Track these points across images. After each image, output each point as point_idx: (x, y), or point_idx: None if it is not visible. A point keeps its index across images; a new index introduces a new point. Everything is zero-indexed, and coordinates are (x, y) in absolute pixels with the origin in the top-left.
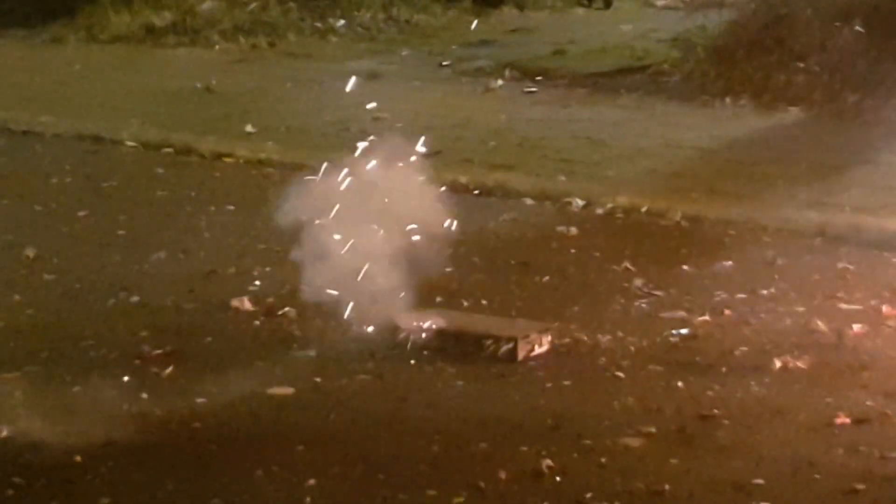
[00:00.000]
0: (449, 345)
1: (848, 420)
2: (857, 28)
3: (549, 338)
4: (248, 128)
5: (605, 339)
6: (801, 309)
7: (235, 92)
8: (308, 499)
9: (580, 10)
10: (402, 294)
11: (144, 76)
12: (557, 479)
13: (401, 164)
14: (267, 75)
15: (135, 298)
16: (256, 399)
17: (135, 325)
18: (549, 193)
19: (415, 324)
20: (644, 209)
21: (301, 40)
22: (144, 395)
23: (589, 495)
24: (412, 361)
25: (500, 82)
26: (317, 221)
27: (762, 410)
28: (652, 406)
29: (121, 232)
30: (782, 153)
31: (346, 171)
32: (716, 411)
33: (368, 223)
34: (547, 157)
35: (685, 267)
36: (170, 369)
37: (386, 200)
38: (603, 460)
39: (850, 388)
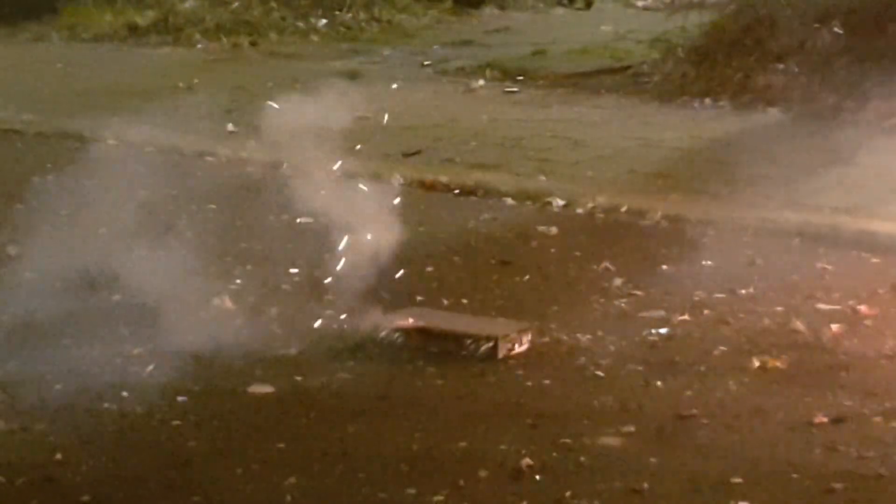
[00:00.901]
0: (429, 343)
1: (826, 419)
2: (836, 29)
3: (530, 337)
4: (230, 127)
5: (584, 338)
6: (779, 309)
7: (217, 91)
8: (288, 497)
9: (561, 11)
10: (383, 293)
11: (127, 75)
12: (537, 477)
13: (381, 163)
14: (248, 74)
15: (116, 297)
16: (237, 397)
17: (116, 323)
18: (530, 193)
19: (395, 322)
20: (624, 209)
21: (283, 39)
22: (125, 394)
23: (568, 494)
24: (393, 360)
25: (481, 82)
26: (298, 220)
27: (741, 410)
28: (631, 405)
29: (102, 230)
30: (762, 154)
31: (325, 169)
32: (695, 411)
33: (348, 222)
34: (527, 157)
35: (665, 266)
36: (150, 368)
37: (365, 198)
38: (582, 459)
39: (829, 388)
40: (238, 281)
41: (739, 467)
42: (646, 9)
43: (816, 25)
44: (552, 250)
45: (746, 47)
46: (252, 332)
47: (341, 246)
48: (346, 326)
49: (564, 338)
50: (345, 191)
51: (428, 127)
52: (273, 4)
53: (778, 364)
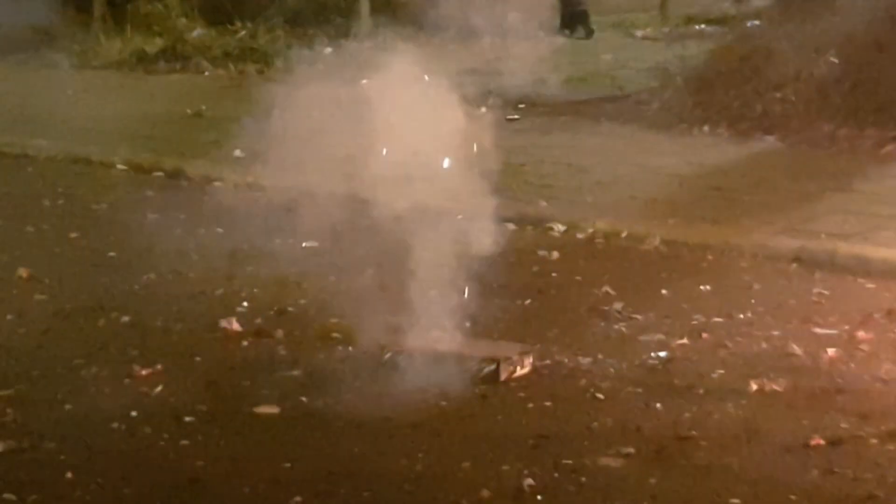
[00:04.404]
0: (433, 365)
1: (822, 442)
2: (832, 59)
3: (531, 359)
4: (237, 152)
5: (585, 361)
6: (776, 333)
7: (224, 117)
8: None
9: (562, 40)
10: (387, 316)
11: (135, 101)
12: (538, 497)
13: (385, 189)
14: (255, 101)
15: (125, 319)
16: (243, 418)
17: (125, 344)
18: (531, 218)
19: (399, 345)
20: (624, 234)
21: (289, 67)
22: (134, 414)
23: None
24: (397, 382)
25: (482, 110)
26: (303, 244)
27: (739, 432)
28: (631, 427)
29: (111, 253)
30: (759, 180)
31: (332, 194)
32: (693, 432)
33: (349, 246)
34: (528, 183)
35: (664, 291)
36: (159, 388)
37: (366, 222)
38: (583, 480)
39: (825, 411)
40: (245, 304)
41: (737, 489)
42: (645, 38)
43: (813, 55)
44: (553, 274)
45: (744, 76)
46: (258, 354)
47: (345, 268)
48: (351, 349)
49: (565, 360)
50: (346, 215)
51: (430, 153)
52: (279, 33)
53: (775, 387)
